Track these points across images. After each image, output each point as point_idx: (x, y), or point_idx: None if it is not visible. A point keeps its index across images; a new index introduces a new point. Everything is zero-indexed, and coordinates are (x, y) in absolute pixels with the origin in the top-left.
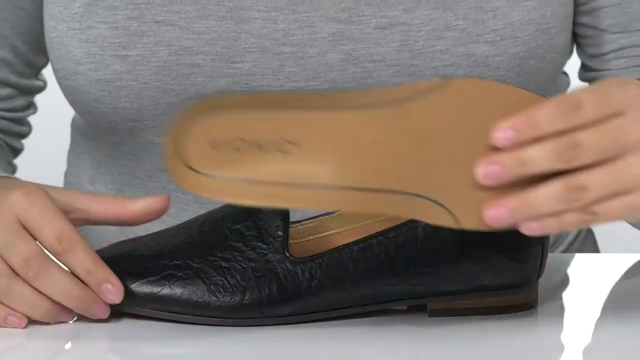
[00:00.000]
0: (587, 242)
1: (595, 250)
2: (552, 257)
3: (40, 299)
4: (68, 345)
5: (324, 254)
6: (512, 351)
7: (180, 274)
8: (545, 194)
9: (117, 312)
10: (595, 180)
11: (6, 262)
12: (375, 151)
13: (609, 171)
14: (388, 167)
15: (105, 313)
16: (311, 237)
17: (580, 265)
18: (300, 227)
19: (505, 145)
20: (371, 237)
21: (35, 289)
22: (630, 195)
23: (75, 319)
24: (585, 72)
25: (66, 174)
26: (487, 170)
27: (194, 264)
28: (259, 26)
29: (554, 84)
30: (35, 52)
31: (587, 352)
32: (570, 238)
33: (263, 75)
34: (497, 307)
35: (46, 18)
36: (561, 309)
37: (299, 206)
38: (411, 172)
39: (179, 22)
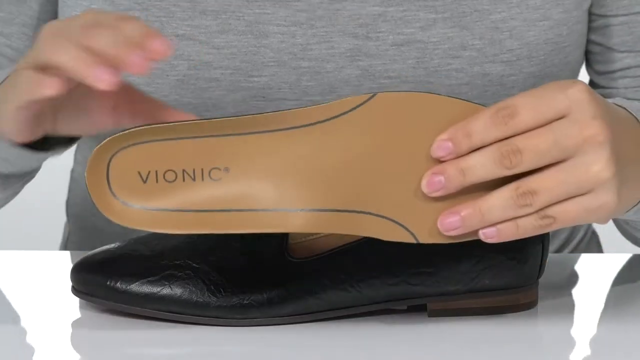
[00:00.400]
0: (591, 244)
1: (599, 251)
2: (552, 257)
3: (84, 50)
4: (67, 345)
5: (324, 254)
6: (512, 351)
7: (180, 274)
8: (497, 200)
9: (117, 313)
10: (543, 184)
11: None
12: (308, 170)
13: (556, 174)
14: (326, 185)
15: (141, 64)
16: (311, 237)
17: (580, 265)
18: None
19: (443, 156)
20: (371, 237)
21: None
22: (584, 197)
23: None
24: (594, 89)
25: (72, 171)
26: (430, 181)
27: (194, 264)
28: (277, 40)
29: None
30: None
31: (588, 352)
32: (574, 242)
33: (280, 89)
34: (497, 307)
35: (61, 19)
36: (561, 308)
37: (235, 230)
38: (353, 190)
39: (200, 36)
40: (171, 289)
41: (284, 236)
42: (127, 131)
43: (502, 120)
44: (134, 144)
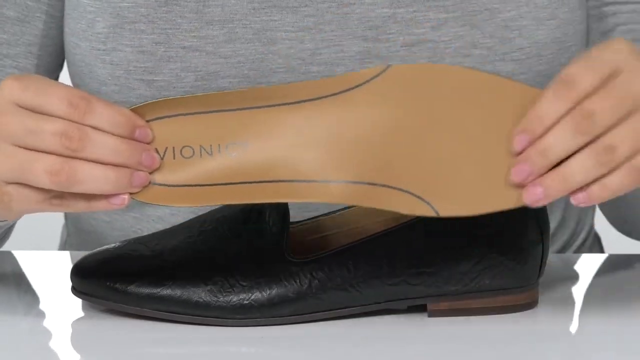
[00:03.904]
0: (594, 246)
1: (601, 252)
2: (553, 257)
3: (105, 167)
4: (68, 345)
5: (324, 253)
6: (512, 351)
7: (180, 274)
8: (577, 164)
9: (117, 313)
10: (620, 138)
11: (39, 150)
12: (326, 142)
13: (630, 125)
14: (345, 158)
15: (153, 160)
16: (311, 237)
17: (580, 265)
18: (300, 227)
19: (525, 147)
20: (371, 237)
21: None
22: None
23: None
24: None
25: None
26: (517, 170)
27: (194, 264)
28: (286, 47)
29: None
30: (55, 67)
31: (588, 352)
32: (577, 244)
33: None
34: (497, 307)
35: (67, 32)
36: (562, 309)
37: (253, 200)
38: (372, 163)
39: (206, 47)
40: (171, 289)
41: (284, 236)
42: (139, 106)
43: (565, 92)
44: (148, 121)
